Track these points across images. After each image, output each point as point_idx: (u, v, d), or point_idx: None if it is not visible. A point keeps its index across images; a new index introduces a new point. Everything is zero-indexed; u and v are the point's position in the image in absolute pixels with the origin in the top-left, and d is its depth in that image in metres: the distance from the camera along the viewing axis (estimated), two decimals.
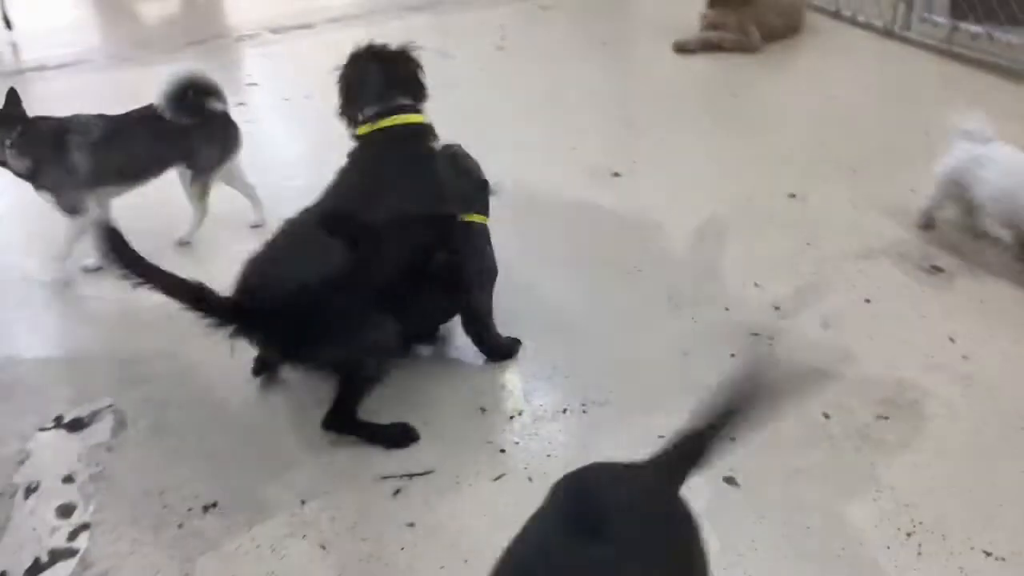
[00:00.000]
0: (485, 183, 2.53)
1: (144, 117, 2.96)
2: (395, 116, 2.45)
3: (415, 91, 2.54)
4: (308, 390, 2.38)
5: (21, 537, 2.00)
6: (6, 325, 2.78)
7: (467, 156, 2.55)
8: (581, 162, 3.54)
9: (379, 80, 2.49)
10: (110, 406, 2.38)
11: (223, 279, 2.15)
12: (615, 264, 2.91)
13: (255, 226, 3.20)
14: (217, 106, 3.03)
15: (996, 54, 4.17)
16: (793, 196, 3.26)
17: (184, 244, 3.13)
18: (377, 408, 2.27)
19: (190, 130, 2.99)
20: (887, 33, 4.60)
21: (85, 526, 2.02)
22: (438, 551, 1.91)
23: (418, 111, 2.52)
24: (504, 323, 2.51)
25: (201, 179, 3.08)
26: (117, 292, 2.82)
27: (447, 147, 2.52)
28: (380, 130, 2.43)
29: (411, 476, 2.13)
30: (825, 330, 2.57)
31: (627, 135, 3.74)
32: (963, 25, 4.33)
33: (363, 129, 2.46)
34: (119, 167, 2.96)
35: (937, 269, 2.82)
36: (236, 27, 5.20)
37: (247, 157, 3.64)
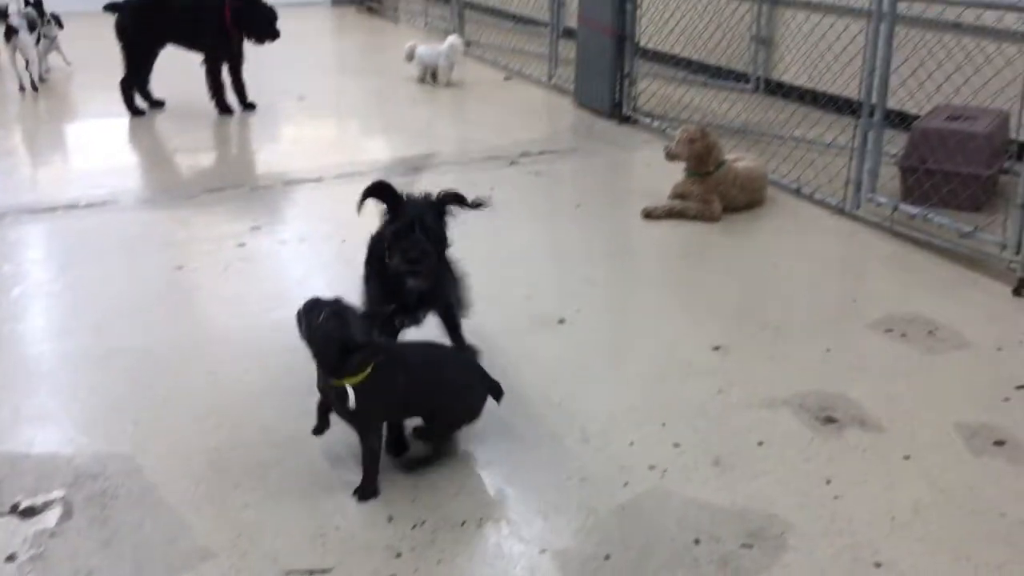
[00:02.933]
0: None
1: None
2: None
3: None
4: (235, 500, 2.67)
5: None
6: None
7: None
8: (531, 310, 3.88)
9: None
10: (62, 497, 2.68)
11: None
12: (538, 398, 3.19)
13: None
14: None
15: (931, 233, 4.51)
16: (716, 349, 3.55)
17: None
18: (294, 515, 2.54)
19: None
20: (839, 211, 4.98)
21: None
22: None
23: None
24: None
25: None
26: (86, 393, 3.19)
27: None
28: None
29: (311, 572, 2.38)
30: (715, 466, 2.81)
31: (580, 288, 4.08)
32: (903, 206, 4.70)
33: None
34: None
35: (831, 420, 3.07)
36: (254, 178, 5.75)
37: (234, 290, 4.06)
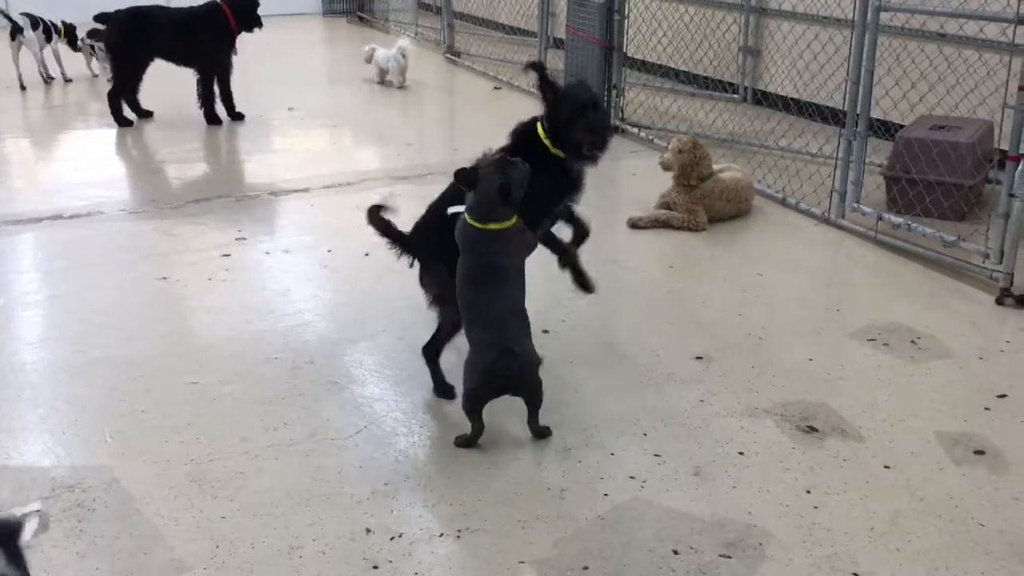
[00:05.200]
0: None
1: None
2: None
3: None
4: (212, 512, 2.66)
5: None
6: None
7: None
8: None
9: None
10: (38, 510, 2.66)
11: None
12: (519, 407, 3.16)
13: None
14: None
15: (914, 243, 4.52)
16: (699, 358, 3.55)
17: None
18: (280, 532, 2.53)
19: None
20: (824, 220, 4.99)
21: None
22: None
23: None
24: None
25: None
26: (65, 404, 3.17)
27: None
28: None
29: None
30: (695, 476, 2.81)
31: (565, 298, 4.07)
32: (887, 215, 4.71)
33: None
34: None
35: (812, 429, 3.06)
36: (241, 189, 5.74)
37: (217, 301, 4.05)
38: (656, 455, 2.92)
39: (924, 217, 4.76)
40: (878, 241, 4.68)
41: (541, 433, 3.00)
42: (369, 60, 8.88)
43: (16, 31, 8.30)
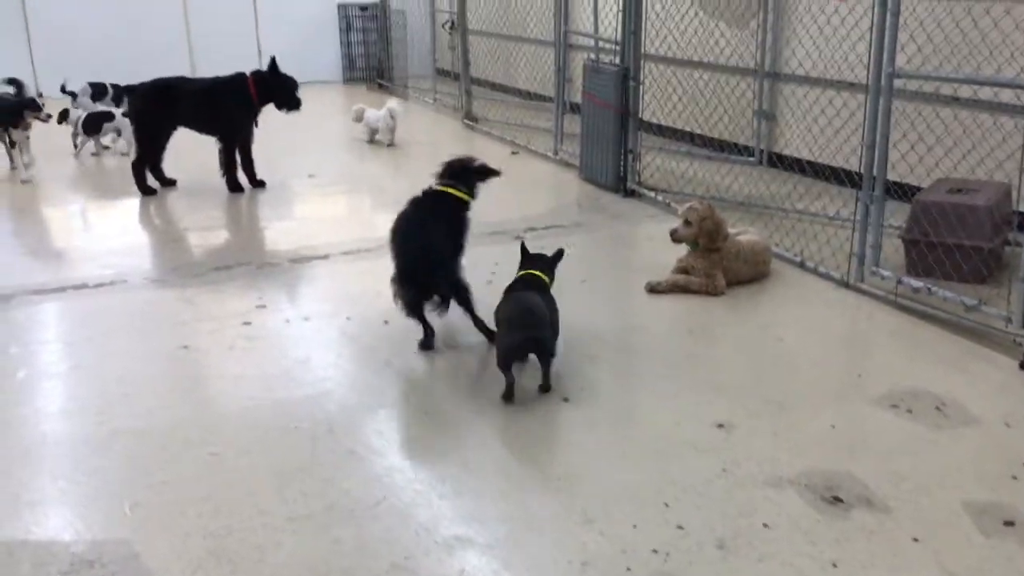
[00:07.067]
0: None
1: None
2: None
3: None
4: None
5: None
6: None
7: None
8: (535, 386, 3.86)
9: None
10: None
11: None
12: (539, 476, 3.16)
13: None
14: None
15: (935, 307, 4.50)
16: (720, 426, 3.52)
17: None
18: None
19: None
20: (843, 284, 4.98)
21: None
22: None
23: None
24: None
25: None
26: (85, 476, 3.18)
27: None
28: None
29: None
30: (719, 550, 2.76)
31: (584, 365, 4.07)
32: (906, 279, 4.70)
33: None
34: None
35: (838, 500, 3.02)
36: (262, 256, 5.80)
37: (237, 369, 4.07)
38: (679, 527, 2.88)
39: (944, 280, 4.74)
40: (898, 305, 4.66)
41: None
42: (358, 120, 9.29)
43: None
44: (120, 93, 9.05)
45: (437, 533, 2.88)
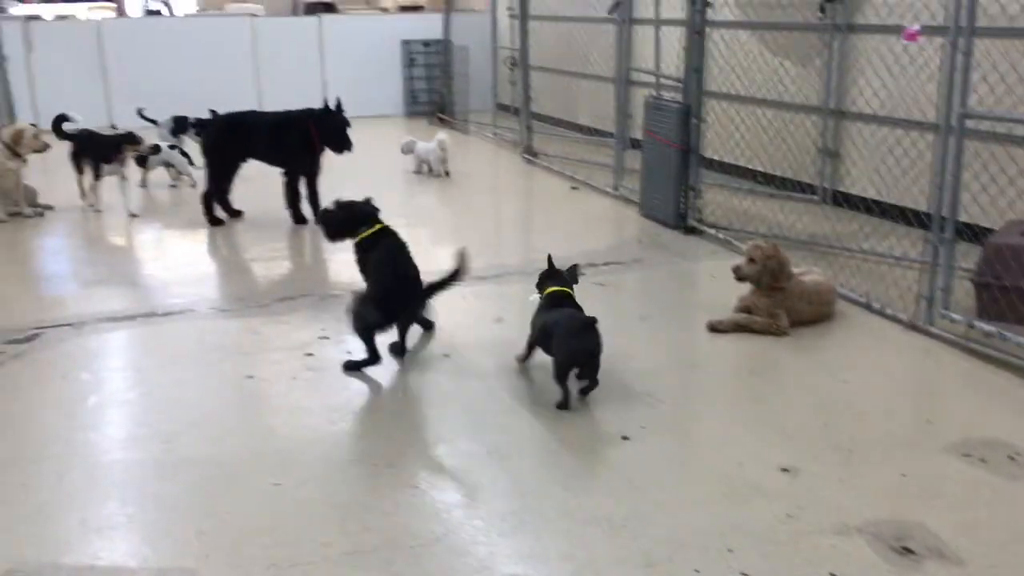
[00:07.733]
0: None
1: None
2: None
3: None
4: None
5: None
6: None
7: None
8: (594, 426, 3.84)
9: None
10: None
11: None
12: (601, 518, 3.13)
13: None
14: None
15: (1008, 352, 4.38)
16: (785, 470, 3.45)
17: None
18: None
19: None
20: (911, 326, 4.87)
21: None
22: None
23: None
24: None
25: None
26: (152, 503, 3.23)
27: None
28: None
29: None
30: None
31: (644, 403, 4.04)
32: (978, 323, 4.58)
33: None
34: None
35: (908, 551, 2.93)
36: (324, 287, 5.89)
37: (300, 400, 4.12)
38: (743, 574, 2.83)
39: (1017, 325, 4.61)
40: (969, 349, 4.54)
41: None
42: (407, 152, 9.53)
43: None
44: (184, 125, 9.24)
45: (496, 570, 2.87)
